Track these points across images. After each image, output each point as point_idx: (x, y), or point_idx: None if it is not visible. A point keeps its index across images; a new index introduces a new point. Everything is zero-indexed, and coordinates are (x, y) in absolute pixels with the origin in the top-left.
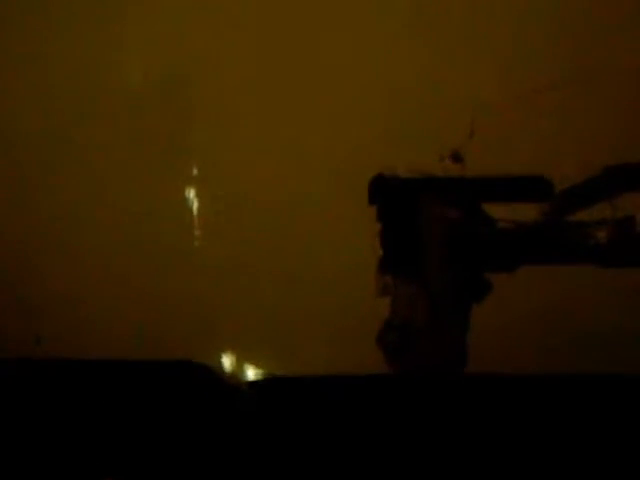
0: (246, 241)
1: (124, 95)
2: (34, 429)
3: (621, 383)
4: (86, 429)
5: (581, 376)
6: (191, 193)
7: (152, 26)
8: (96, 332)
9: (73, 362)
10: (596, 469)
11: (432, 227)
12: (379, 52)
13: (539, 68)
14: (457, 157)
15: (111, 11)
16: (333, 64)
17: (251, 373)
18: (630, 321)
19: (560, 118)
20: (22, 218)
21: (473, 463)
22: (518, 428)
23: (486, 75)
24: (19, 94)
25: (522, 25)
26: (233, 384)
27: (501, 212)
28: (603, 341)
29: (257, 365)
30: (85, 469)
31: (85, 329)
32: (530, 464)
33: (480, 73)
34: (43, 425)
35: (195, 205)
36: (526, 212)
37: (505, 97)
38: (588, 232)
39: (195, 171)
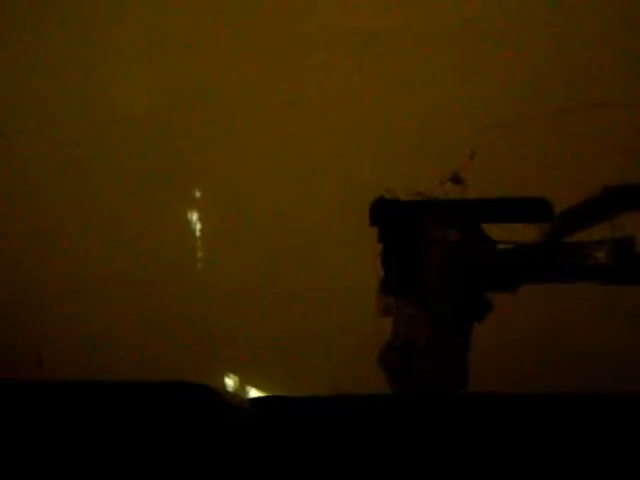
0: (247, 262)
1: (130, 118)
2: (32, 451)
3: (622, 402)
4: (85, 451)
5: (582, 395)
6: (193, 215)
7: (159, 49)
8: (96, 354)
9: (73, 384)
10: None
11: (433, 248)
12: (379, 75)
13: (542, 93)
14: (457, 179)
15: (117, 37)
16: (335, 88)
17: (253, 394)
18: (630, 339)
19: (560, 140)
20: (24, 237)
21: None
22: (520, 448)
23: (487, 98)
24: (25, 117)
25: (527, 51)
26: (234, 405)
27: (501, 233)
28: (603, 360)
29: (259, 386)
30: None
31: (85, 351)
32: None
33: (481, 96)
34: (41, 447)
35: (197, 226)
36: (526, 233)
37: (505, 120)
38: (588, 252)
39: (197, 193)
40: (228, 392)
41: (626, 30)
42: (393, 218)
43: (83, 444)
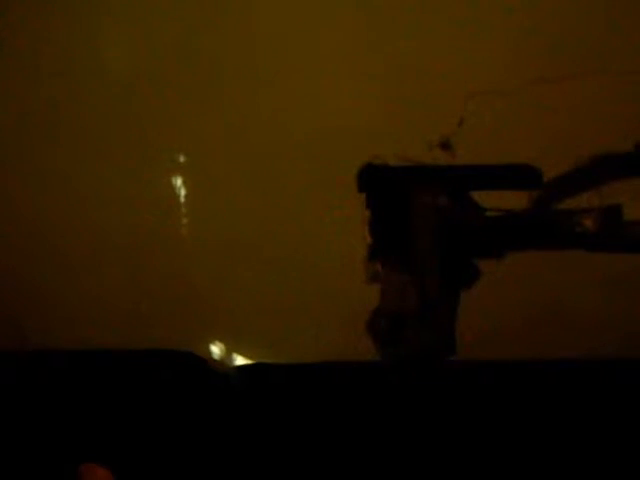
0: (233, 228)
1: (111, 80)
2: (20, 418)
3: (606, 367)
4: (72, 418)
5: (568, 361)
6: (178, 179)
7: (142, 12)
8: (79, 321)
9: (57, 352)
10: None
11: (421, 215)
12: (366, 39)
13: (533, 59)
14: (446, 145)
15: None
16: (321, 53)
17: (239, 361)
18: (615, 305)
19: (549, 108)
20: (6, 206)
21: (462, 450)
22: (506, 414)
23: (477, 63)
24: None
25: (518, 17)
26: (220, 372)
27: (490, 200)
28: (590, 325)
29: (245, 353)
30: (68, 455)
31: (68, 318)
32: (519, 448)
33: (471, 61)
34: (29, 414)
35: (182, 191)
36: (515, 200)
37: (495, 86)
38: (576, 220)
39: (183, 157)
40: (214, 359)
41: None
42: (381, 184)
43: (69, 412)
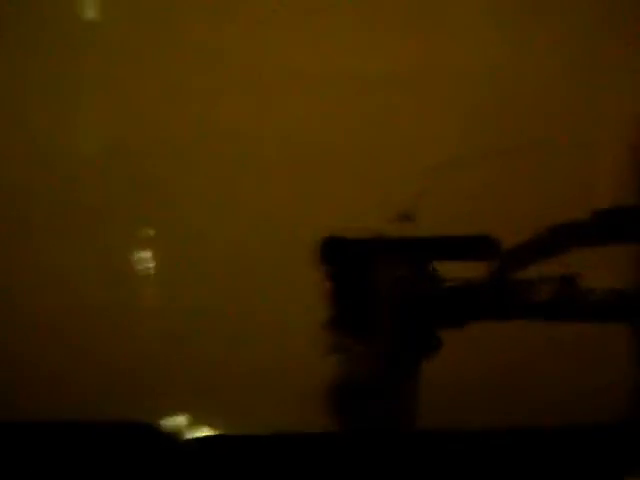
0: (192, 300)
1: (82, 155)
2: None
3: (566, 436)
4: None
5: (527, 430)
6: (136, 255)
7: (118, 85)
8: (36, 393)
9: (14, 425)
10: None
11: (382, 286)
12: (326, 108)
13: (490, 132)
14: (407, 217)
15: (63, 80)
16: (287, 127)
17: (196, 433)
18: (574, 374)
19: (507, 178)
20: None
21: None
22: None
23: (436, 137)
24: None
25: (476, 93)
26: (178, 444)
27: (451, 270)
28: (549, 394)
29: (203, 425)
30: None
31: (24, 389)
32: None
33: (430, 135)
34: None
35: (142, 265)
36: (475, 270)
37: (454, 158)
38: (534, 289)
39: (141, 232)
40: (172, 431)
41: (569, 74)
42: (342, 256)
43: None
